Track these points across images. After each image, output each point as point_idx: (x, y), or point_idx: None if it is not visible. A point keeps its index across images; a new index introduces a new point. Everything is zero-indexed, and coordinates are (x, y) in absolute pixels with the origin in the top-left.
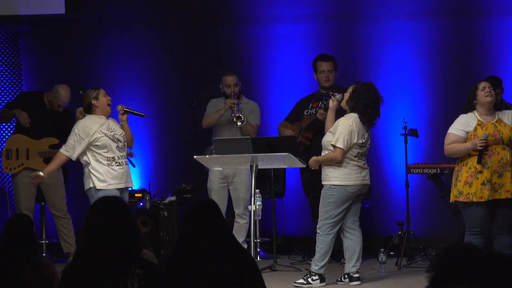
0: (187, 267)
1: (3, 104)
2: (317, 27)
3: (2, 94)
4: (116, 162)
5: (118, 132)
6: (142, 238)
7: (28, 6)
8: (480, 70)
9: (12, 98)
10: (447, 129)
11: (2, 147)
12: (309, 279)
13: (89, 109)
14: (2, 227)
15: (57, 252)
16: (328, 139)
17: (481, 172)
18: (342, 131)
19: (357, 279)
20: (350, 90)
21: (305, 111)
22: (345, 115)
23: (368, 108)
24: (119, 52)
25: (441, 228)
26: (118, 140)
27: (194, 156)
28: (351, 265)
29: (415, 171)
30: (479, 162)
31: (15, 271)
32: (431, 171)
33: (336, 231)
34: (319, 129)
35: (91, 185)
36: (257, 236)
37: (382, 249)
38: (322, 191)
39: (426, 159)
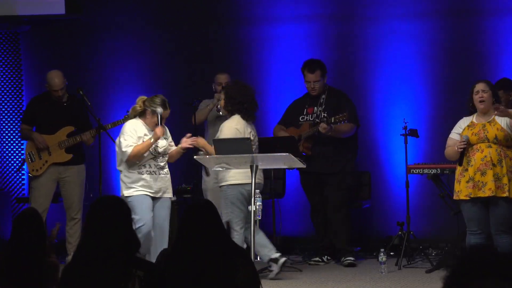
0: (183, 265)
1: (3, 104)
2: (317, 27)
3: (2, 94)
4: (148, 171)
5: (161, 144)
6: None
7: (28, 6)
8: (480, 70)
9: (12, 98)
10: (447, 129)
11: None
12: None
13: (143, 113)
14: (3, 227)
15: (58, 252)
16: None
17: (466, 170)
18: (227, 134)
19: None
20: (222, 96)
21: (300, 117)
22: (228, 119)
23: (245, 103)
24: (119, 52)
25: (441, 228)
26: (158, 152)
27: (194, 156)
28: (266, 251)
29: (415, 171)
30: (460, 164)
31: (26, 271)
32: (431, 171)
33: (244, 228)
34: (318, 139)
35: (121, 193)
36: None
37: (382, 249)
38: (221, 193)
39: (426, 159)
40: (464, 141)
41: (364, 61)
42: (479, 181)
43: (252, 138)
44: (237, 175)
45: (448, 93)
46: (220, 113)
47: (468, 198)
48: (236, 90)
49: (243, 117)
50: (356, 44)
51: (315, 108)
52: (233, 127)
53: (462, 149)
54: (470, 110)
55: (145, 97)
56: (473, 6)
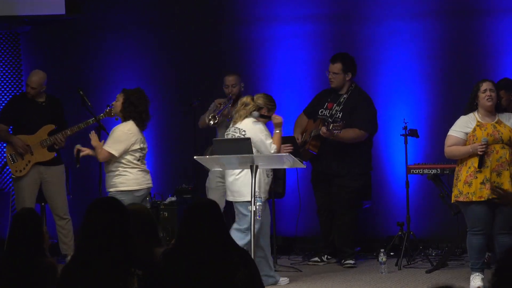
0: (184, 264)
1: (3, 104)
2: (318, 27)
3: (2, 94)
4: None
5: None
6: (157, 238)
7: (28, 7)
8: (480, 70)
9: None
10: (447, 129)
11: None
12: None
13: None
14: (3, 228)
15: (57, 253)
16: None
17: (480, 171)
18: (120, 137)
19: None
20: (120, 99)
21: (320, 110)
22: (122, 123)
23: (143, 113)
24: (119, 52)
25: (441, 228)
26: None
27: (194, 157)
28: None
29: (415, 171)
30: (480, 166)
31: (23, 271)
32: (431, 171)
33: None
34: (328, 139)
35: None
36: None
37: (382, 249)
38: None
39: (426, 160)
40: (484, 144)
41: (364, 61)
42: (494, 181)
43: (143, 145)
44: (129, 181)
45: (448, 93)
46: (210, 123)
47: (482, 199)
48: (139, 99)
49: (138, 125)
50: (356, 44)
51: (334, 105)
52: (125, 131)
53: (482, 152)
54: (473, 108)
55: (251, 96)
56: (473, 6)
